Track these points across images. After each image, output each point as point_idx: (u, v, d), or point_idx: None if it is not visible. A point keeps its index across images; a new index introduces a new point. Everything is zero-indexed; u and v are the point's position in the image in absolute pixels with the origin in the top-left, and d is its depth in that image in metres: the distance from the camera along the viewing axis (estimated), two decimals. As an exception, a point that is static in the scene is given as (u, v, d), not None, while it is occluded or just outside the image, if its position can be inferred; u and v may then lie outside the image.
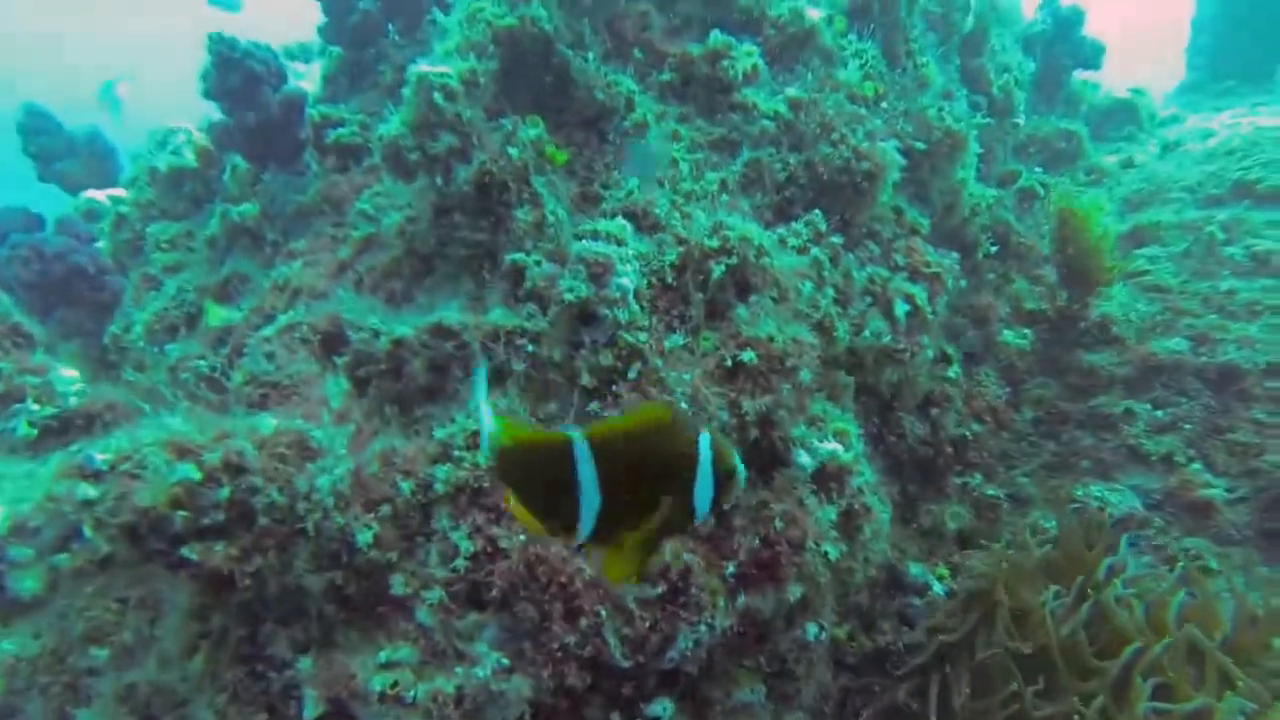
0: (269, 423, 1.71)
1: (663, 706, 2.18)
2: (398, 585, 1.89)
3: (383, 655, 1.80)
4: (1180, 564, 3.31)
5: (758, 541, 2.20)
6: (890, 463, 3.53)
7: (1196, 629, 2.81)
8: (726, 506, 1.48)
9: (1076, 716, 2.51)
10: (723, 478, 1.33)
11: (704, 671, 2.47)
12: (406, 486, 1.93)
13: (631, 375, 2.09)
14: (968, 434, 3.80)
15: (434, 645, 1.86)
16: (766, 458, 2.33)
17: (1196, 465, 3.68)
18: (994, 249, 3.99)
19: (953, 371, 3.70)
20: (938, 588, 3.60)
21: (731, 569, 2.19)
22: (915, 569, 3.62)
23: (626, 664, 1.94)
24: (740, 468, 1.34)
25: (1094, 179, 5.38)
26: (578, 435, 1.23)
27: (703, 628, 2.10)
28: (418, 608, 1.88)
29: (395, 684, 1.73)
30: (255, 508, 1.64)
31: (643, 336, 2.09)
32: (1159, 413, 3.81)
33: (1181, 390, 3.83)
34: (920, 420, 3.59)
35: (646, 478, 1.28)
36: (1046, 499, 3.82)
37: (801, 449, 2.35)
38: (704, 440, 1.30)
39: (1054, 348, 4.05)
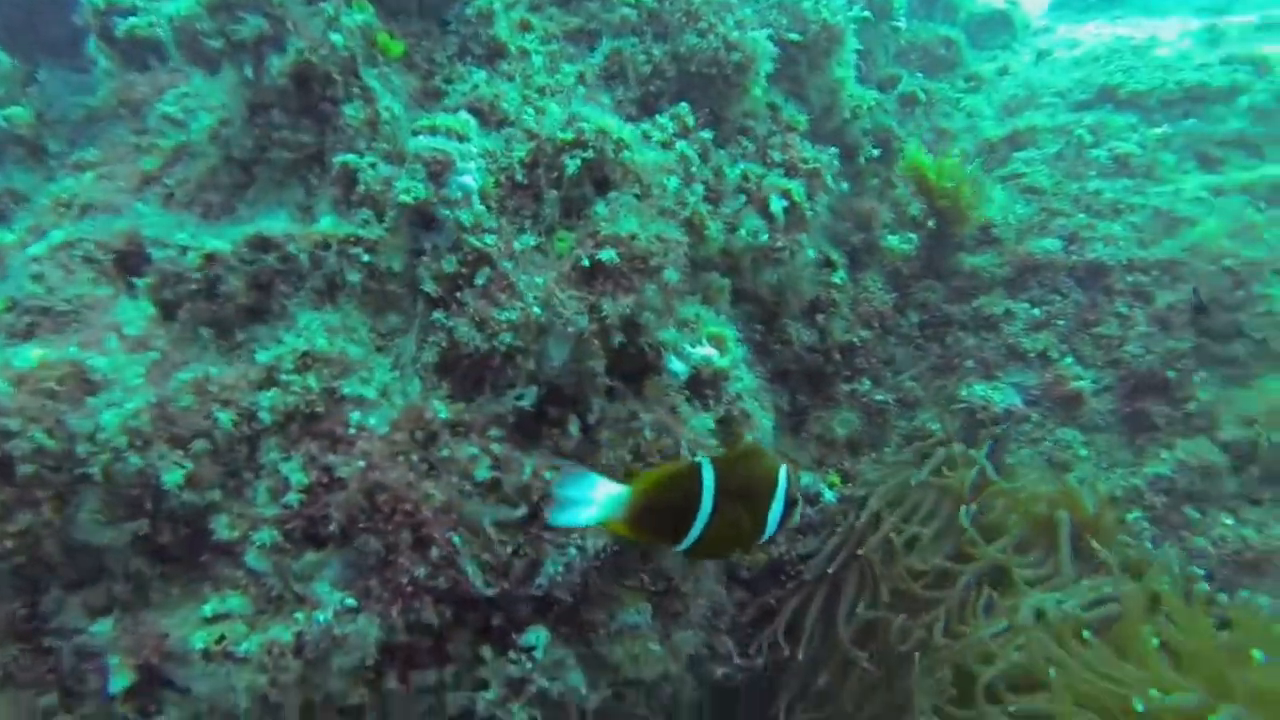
0: (31, 354, 1.45)
1: (536, 636, 2.05)
2: (222, 528, 1.69)
3: (207, 608, 1.60)
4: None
5: (628, 455, 2.07)
6: (778, 371, 3.46)
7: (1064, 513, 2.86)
8: (790, 526, 1.78)
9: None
10: (790, 503, 1.69)
11: (581, 595, 2.35)
12: (226, 418, 1.71)
13: (480, 281, 1.89)
14: (856, 340, 3.76)
15: (268, 591, 1.67)
16: (635, 365, 2.19)
17: (1068, 359, 3.74)
18: (876, 152, 3.91)
19: (838, 277, 3.63)
20: (829, 495, 3.59)
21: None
22: (806, 478, 3.59)
23: (490, 592, 1.80)
24: (800, 501, 1.72)
25: (973, 86, 5.36)
26: (705, 461, 1.62)
27: (572, 550, 1.97)
28: (247, 551, 1.68)
29: (222, 638, 1.54)
30: (13, 455, 1.39)
31: (490, 239, 1.90)
32: (1035, 311, 3.85)
33: (1055, 288, 3.87)
34: (807, 327, 3.52)
35: (742, 497, 1.63)
36: (933, 401, 3.84)
37: (673, 355, 2.22)
38: (783, 470, 1.65)
39: (937, 251, 4.03)
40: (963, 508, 2.90)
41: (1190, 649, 2.27)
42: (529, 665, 2.01)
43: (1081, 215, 4.03)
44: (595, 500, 1.56)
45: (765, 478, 1.64)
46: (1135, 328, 3.67)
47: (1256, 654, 2.06)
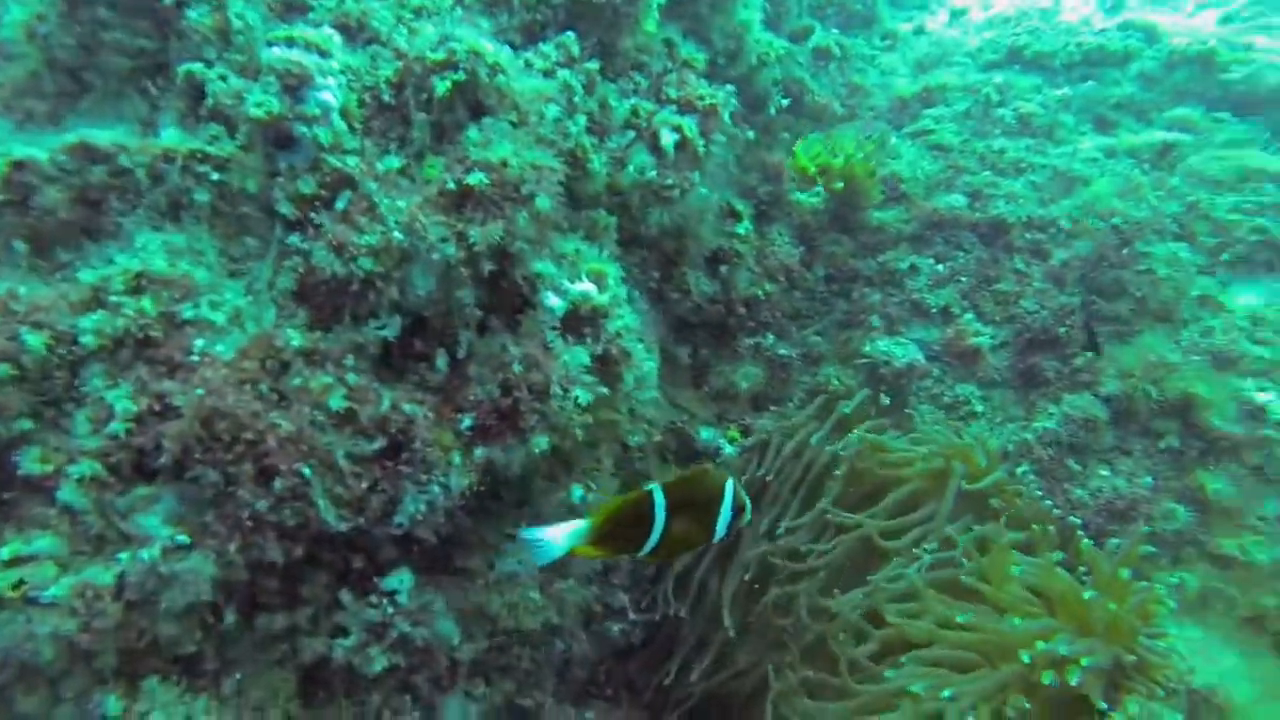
0: None
1: (400, 579, 1.97)
2: (31, 462, 1.55)
3: (5, 551, 1.47)
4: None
5: (497, 390, 1.98)
6: (677, 322, 3.40)
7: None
8: (740, 526, 1.96)
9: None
10: (738, 509, 1.89)
11: (452, 539, 2.27)
12: (36, 341, 1.57)
13: (340, 205, 1.77)
14: (760, 293, 3.73)
15: (85, 530, 1.55)
16: (509, 299, 2.10)
17: (969, 315, 3.78)
18: (786, 102, 3.85)
19: (742, 228, 3.58)
20: (729, 450, 3.57)
21: (468, 422, 1.97)
22: (706, 433, 3.57)
23: (343, 527, 1.70)
24: (748, 505, 1.92)
25: (889, 44, 5.36)
26: (657, 488, 1.84)
27: (435, 488, 1.89)
28: (61, 486, 1.55)
29: (20, 583, 1.41)
30: None
31: (352, 161, 1.78)
32: (939, 266, 3.88)
33: (959, 244, 3.90)
34: (709, 278, 3.46)
35: (691, 511, 1.86)
36: (837, 355, 3.84)
37: (549, 290, 2.13)
38: (729, 484, 1.89)
39: (845, 205, 4.01)
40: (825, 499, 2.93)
41: (1053, 591, 2.32)
42: (390, 610, 1.92)
43: (986, 173, 4.06)
44: (557, 539, 1.77)
45: (712, 492, 1.89)
46: (1031, 284, 3.73)
47: (1087, 594, 2.11)
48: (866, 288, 3.89)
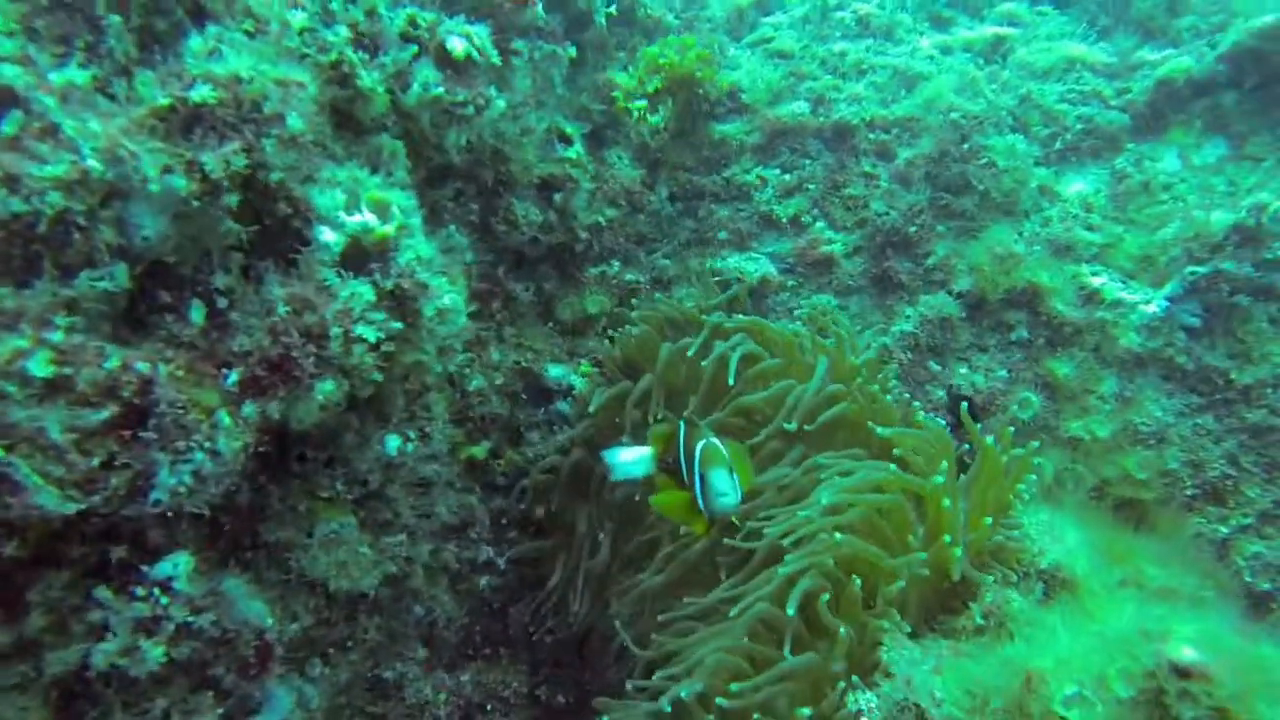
0: None
1: (174, 564, 1.73)
2: None
3: None
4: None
5: (266, 338, 1.74)
6: (514, 257, 3.18)
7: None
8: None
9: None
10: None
11: (253, 509, 2.04)
12: None
13: (7, 129, 1.48)
14: (602, 219, 3.54)
15: None
16: (277, 238, 1.85)
17: (820, 224, 3.69)
18: (613, 10, 3.61)
19: (574, 152, 3.37)
20: (581, 385, 3.41)
21: (234, 377, 1.73)
22: (556, 370, 3.40)
23: (70, 510, 1.45)
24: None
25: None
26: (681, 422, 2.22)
27: (199, 455, 1.65)
28: None
29: None
30: None
31: (11, 70, 1.48)
32: (787, 176, 3.76)
33: (805, 152, 3.79)
34: (540, 206, 3.25)
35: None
36: (688, 276, 3.70)
37: (323, 224, 1.89)
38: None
39: (686, 121, 3.83)
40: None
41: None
42: (166, 600, 1.69)
43: (828, 77, 3.94)
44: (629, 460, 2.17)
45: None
46: (879, 186, 3.65)
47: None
48: (713, 204, 3.75)
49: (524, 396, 3.28)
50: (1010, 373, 3.46)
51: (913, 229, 3.56)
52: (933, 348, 3.50)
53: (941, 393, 3.44)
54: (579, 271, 3.53)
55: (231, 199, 1.65)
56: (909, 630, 2.11)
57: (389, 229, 1.99)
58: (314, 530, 2.19)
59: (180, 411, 1.59)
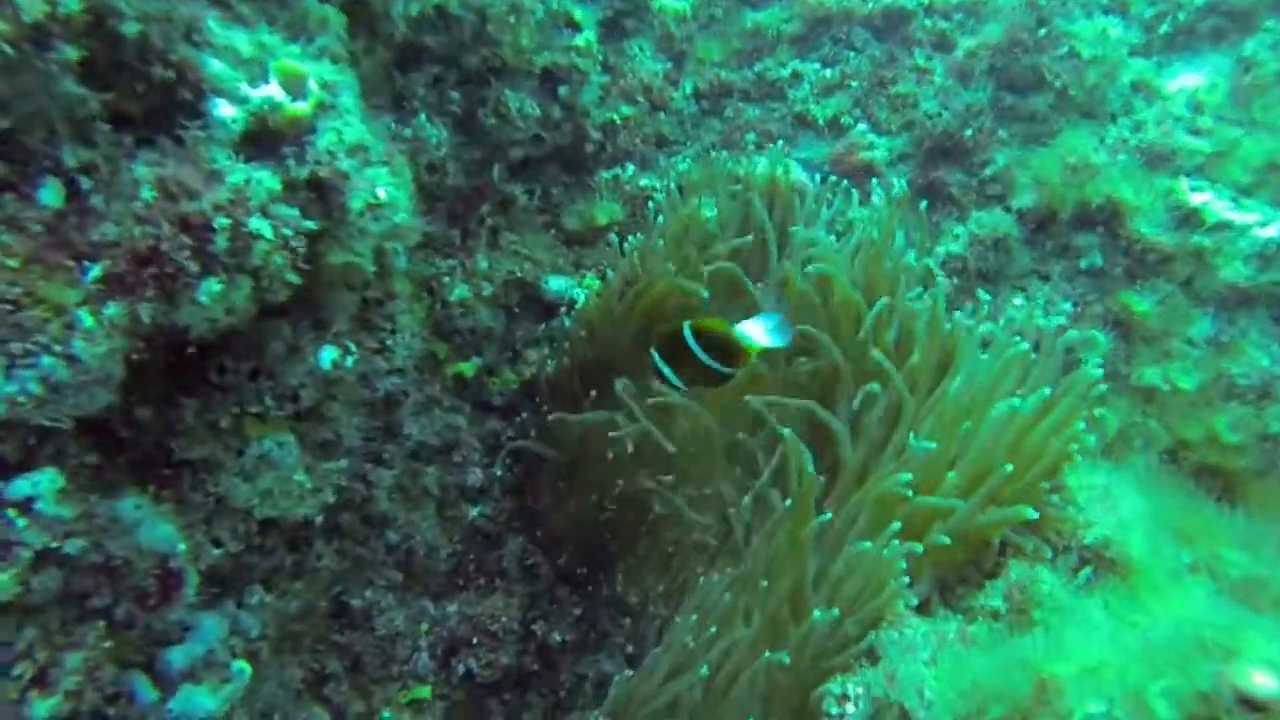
0: None
1: (34, 482, 1.52)
2: None
3: None
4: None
5: (134, 228, 1.48)
6: (498, 154, 2.85)
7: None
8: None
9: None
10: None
11: (166, 425, 1.82)
12: None
13: None
14: (616, 117, 3.17)
15: None
16: (163, 110, 1.57)
17: (862, 126, 3.24)
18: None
19: (582, 39, 2.99)
20: (584, 301, 3.10)
21: (96, 271, 1.47)
22: (556, 282, 3.09)
23: None
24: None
25: None
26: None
27: (47, 360, 1.41)
28: None
29: None
30: None
31: None
32: (827, 71, 3.31)
33: (849, 43, 3.32)
34: (544, 100, 2.90)
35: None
36: (707, 182, 3.31)
37: (218, 96, 1.60)
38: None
39: (718, 6, 3.39)
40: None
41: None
42: (21, 523, 1.48)
43: (882, -45, 3.42)
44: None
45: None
46: (933, 82, 3.17)
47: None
48: (742, 102, 3.33)
49: (518, 310, 2.99)
50: (1076, 306, 2.99)
51: (969, 133, 3.09)
52: (983, 273, 3.06)
53: (991, 325, 3.00)
54: (589, 175, 3.18)
55: (68, 52, 1.37)
56: (915, 601, 1.78)
57: (303, 106, 1.68)
58: (246, 449, 1.97)
59: (9, 308, 1.35)
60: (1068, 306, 2.95)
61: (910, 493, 2.06)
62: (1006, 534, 1.86)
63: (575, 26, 3.00)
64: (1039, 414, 2.07)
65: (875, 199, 2.79)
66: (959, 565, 2.04)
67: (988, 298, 3.01)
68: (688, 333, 2.10)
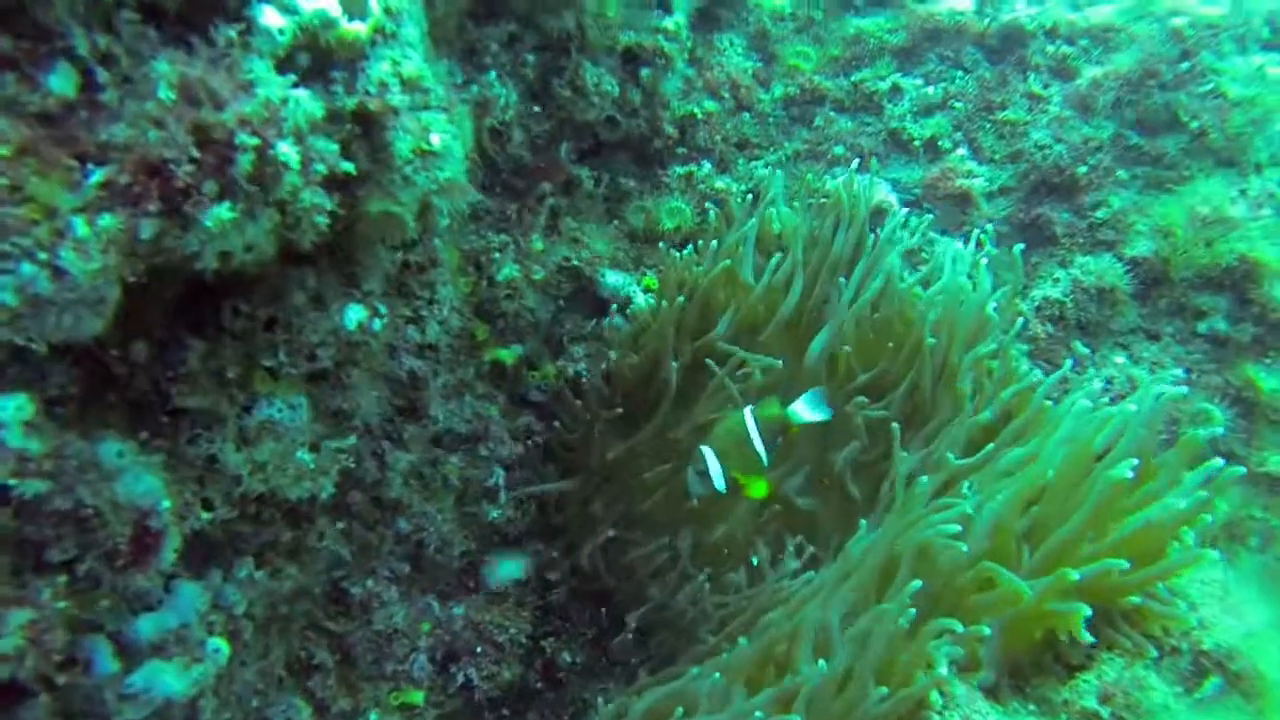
0: None
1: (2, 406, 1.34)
2: None
3: None
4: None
5: (152, 132, 1.30)
6: (571, 131, 2.65)
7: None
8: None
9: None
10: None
11: (164, 365, 1.64)
12: None
13: None
14: (698, 112, 2.96)
15: None
16: (198, 3, 1.40)
17: (962, 151, 2.98)
18: None
19: (673, 22, 2.79)
20: (642, 301, 2.88)
21: (99, 176, 1.29)
22: (614, 277, 2.88)
23: None
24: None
25: None
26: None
27: (27, 267, 1.23)
28: None
29: None
30: None
31: None
32: (930, 89, 3.06)
33: (958, 61, 3.07)
34: (623, 79, 2.70)
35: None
36: (790, 193, 3.08)
37: (265, 1, 1.42)
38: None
39: (818, 9, 3.18)
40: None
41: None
42: (-21, 450, 1.30)
43: (1006, -29, 3.18)
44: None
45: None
46: (1047, 110, 2.90)
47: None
48: (834, 112, 3.09)
49: (567, 301, 2.78)
50: (1190, 373, 2.68)
51: (1083, 169, 2.81)
52: (1083, 324, 2.77)
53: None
54: (661, 169, 2.97)
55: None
56: (979, 682, 1.51)
57: (360, 28, 1.50)
58: (252, 407, 1.78)
59: (8, 208, 1.17)
60: (1178, 373, 2.64)
61: (978, 561, 1.81)
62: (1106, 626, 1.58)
63: (667, 7, 2.80)
64: (1145, 492, 1.79)
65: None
66: (1032, 646, 1.76)
67: (1085, 350, 2.74)
68: (749, 418, 2.16)
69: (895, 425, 2.20)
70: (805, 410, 2.23)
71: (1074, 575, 1.63)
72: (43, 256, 1.24)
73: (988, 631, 1.73)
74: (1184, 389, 2.13)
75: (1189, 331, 2.67)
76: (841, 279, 2.42)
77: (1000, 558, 1.92)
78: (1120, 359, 2.69)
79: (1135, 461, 1.83)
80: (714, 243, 2.53)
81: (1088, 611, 1.60)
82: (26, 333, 1.27)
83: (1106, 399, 2.35)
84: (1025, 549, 1.93)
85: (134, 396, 1.62)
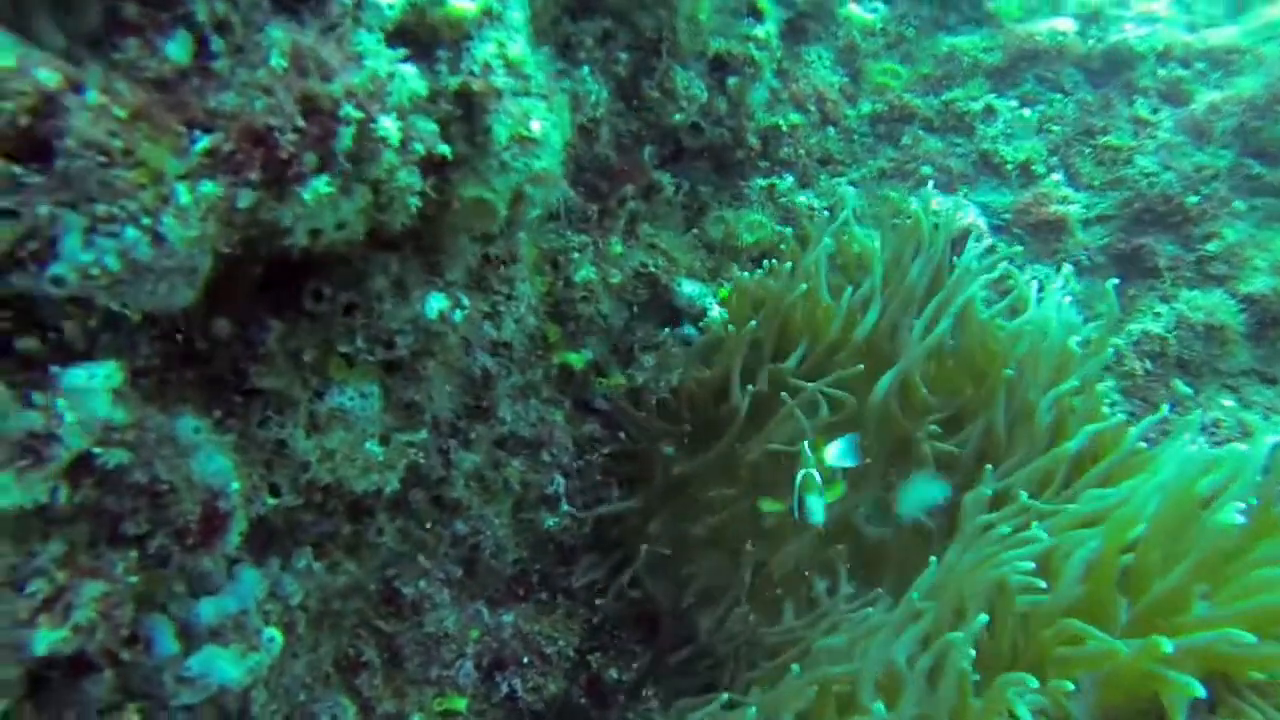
0: None
1: (90, 373, 1.30)
2: None
3: None
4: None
5: (260, 100, 1.26)
6: (655, 134, 2.59)
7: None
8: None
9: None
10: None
11: (245, 343, 1.61)
12: None
13: None
14: (783, 124, 2.89)
15: None
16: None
17: (1058, 176, 2.86)
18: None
19: (763, 30, 2.73)
20: (718, 313, 2.81)
21: (205, 143, 1.26)
22: (690, 287, 2.81)
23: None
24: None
25: None
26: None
27: (131, 232, 1.19)
28: None
29: None
30: None
31: None
32: (1026, 111, 2.95)
33: (1057, 83, 2.96)
34: (709, 85, 2.64)
35: None
36: (873, 212, 2.99)
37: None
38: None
39: (909, 26, 3.10)
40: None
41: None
42: (71, 418, 1.27)
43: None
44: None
45: None
46: (1156, 136, 2.77)
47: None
48: (923, 131, 3.00)
49: (639, 309, 2.72)
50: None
51: (1194, 199, 2.67)
52: (1185, 363, 2.62)
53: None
54: (743, 180, 2.90)
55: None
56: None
57: (468, 6, 1.46)
58: (326, 392, 1.74)
59: (103, 161, 1.14)
60: (1291, 419, 2.49)
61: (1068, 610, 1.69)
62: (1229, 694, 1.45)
63: (758, 15, 2.75)
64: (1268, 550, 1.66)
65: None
66: (1137, 706, 1.64)
67: (1187, 391, 2.59)
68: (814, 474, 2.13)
69: (972, 458, 2.08)
70: (834, 454, 2.20)
71: (1167, 647, 1.50)
72: (146, 222, 1.20)
73: (1071, 687, 1.61)
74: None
75: (1312, 378, 2.51)
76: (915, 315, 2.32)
77: (1095, 607, 1.79)
78: (1229, 401, 2.53)
79: (1243, 506, 1.70)
80: (788, 264, 2.46)
81: (1199, 691, 1.47)
82: (123, 299, 1.24)
83: (1207, 440, 2.21)
84: (1123, 599, 1.81)
85: (211, 373, 1.59)
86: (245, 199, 1.27)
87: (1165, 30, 2.83)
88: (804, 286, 2.37)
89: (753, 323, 2.36)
